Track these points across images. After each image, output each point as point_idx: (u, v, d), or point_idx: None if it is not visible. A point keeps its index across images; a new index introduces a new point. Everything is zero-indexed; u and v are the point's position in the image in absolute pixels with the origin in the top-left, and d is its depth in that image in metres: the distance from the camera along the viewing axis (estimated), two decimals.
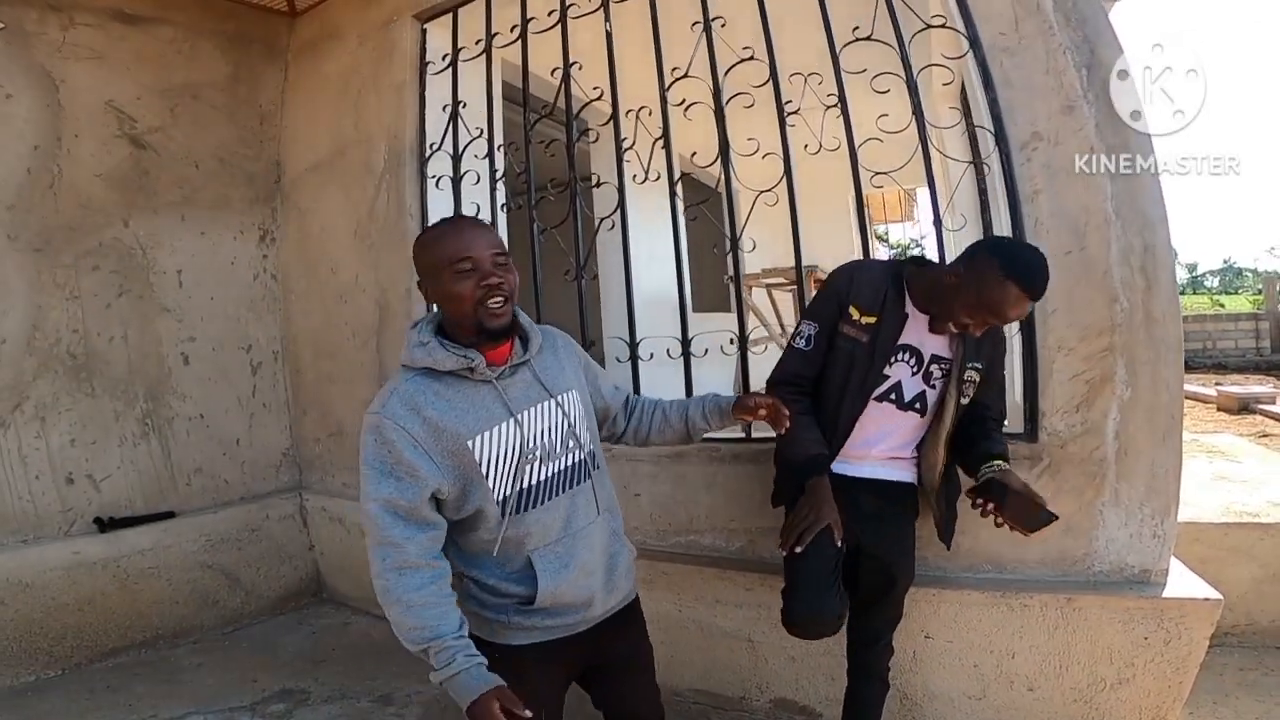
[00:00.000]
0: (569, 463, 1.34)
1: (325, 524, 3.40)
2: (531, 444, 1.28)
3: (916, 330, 1.69)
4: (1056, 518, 1.56)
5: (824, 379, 1.74)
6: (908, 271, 1.73)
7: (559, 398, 1.34)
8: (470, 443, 1.22)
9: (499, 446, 1.25)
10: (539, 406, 1.31)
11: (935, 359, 1.70)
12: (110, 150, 3.06)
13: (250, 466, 3.44)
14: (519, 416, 1.27)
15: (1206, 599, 1.81)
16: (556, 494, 1.31)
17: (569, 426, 1.34)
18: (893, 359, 1.68)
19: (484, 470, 1.24)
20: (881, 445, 1.77)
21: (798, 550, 1.61)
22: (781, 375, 1.79)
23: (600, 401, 1.54)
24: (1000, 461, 1.65)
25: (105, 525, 2.90)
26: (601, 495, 1.41)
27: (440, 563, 1.24)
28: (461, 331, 1.25)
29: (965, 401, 1.70)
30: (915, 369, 1.69)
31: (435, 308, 1.32)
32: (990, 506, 1.56)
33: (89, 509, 2.90)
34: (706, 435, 2.40)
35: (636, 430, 1.60)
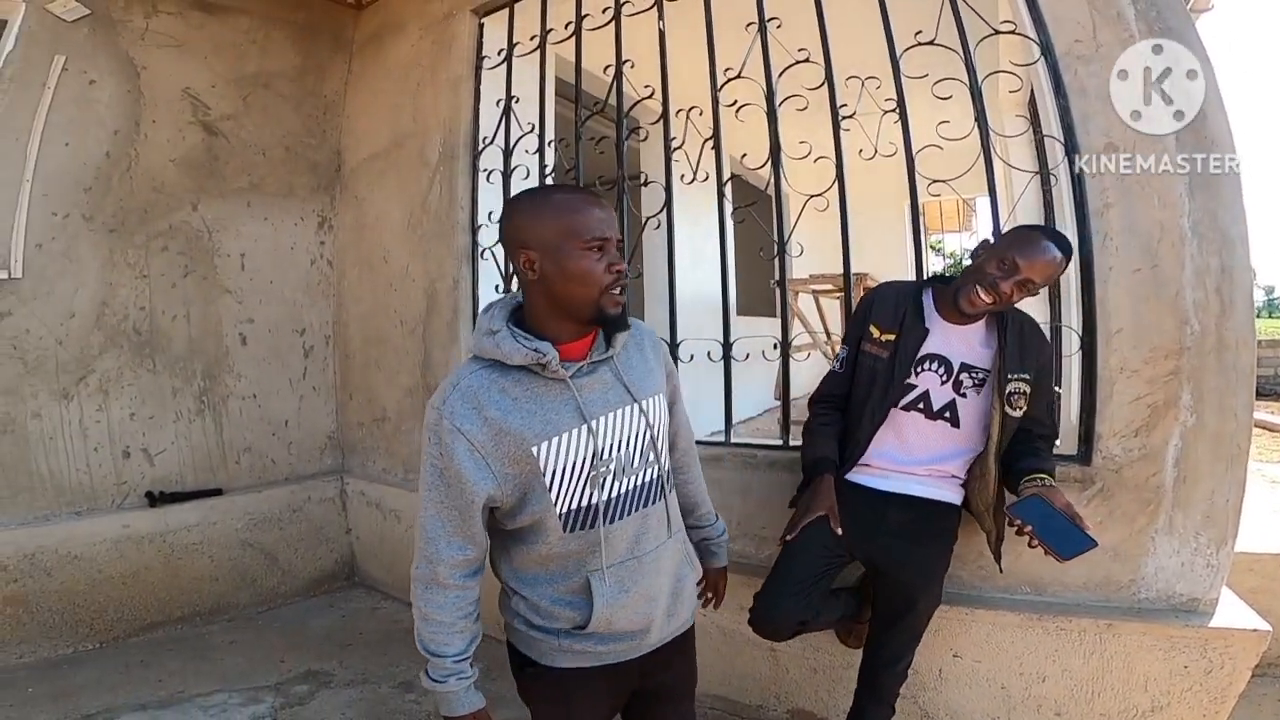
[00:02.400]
0: (646, 479, 1.19)
1: (362, 508, 3.48)
2: (606, 455, 1.13)
3: (943, 340, 1.70)
4: (1095, 544, 1.49)
5: (851, 395, 1.80)
6: (932, 288, 1.77)
7: (644, 403, 1.19)
8: (535, 449, 1.09)
9: (568, 455, 1.11)
10: (619, 412, 1.16)
11: (966, 368, 1.68)
12: (185, 136, 3.18)
13: (297, 448, 3.52)
14: (593, 424, 1.12)
15: (1255, 630, 1.74)
16: (628, 513, 1.17)
17: (651, 437, 1.19)
18: (918, 369, 1.70)
19: (548, 481, 1.10)
20: (920, 458, 1.74)
21: (788, 539, 1.69)
22: (818, 395, 1.90)
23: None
24: (1043, 476, 1.60)
25: (156, 500, 2.98)
26: (674, 515, 1.27)
27: (469, 584, 1.16)
28: (556, 316, 1.12)
29: (1016, 414, 1.66)
30: (944, 378, 1.69)
31: (515, 287, 1.22)
32: (1028, 529, 1.51)
33: (142, 483, 3.00)
34: (743, 442, 2.40)
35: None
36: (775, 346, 2.37)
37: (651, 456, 1.20)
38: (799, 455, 1.96)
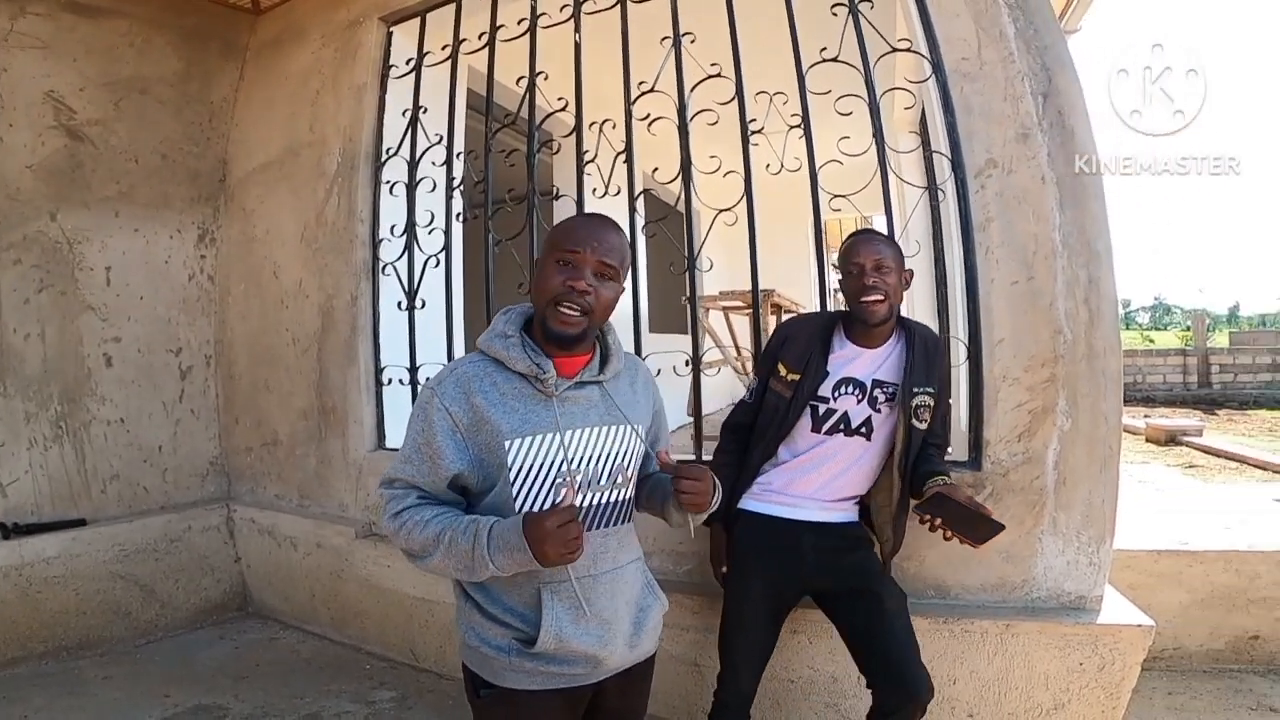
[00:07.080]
0: (610, 499, 1.23)
1: (254, 536, 3.23)
2: (574, 466, 1.17)
3: (855, 364, 1.75)
4: (1003, 527, 1.55)
5: (755, 425, 1.83)
6: (842, 318, 1.82)
7: (620, 429, 1.24)
8: (507, 443, 1.14)
9: (535, 457, 1.15)
10: (594, 430, 1.21)
11: (878, 384, 1.75)
12: (44, 141, 2.93)
13: (173, 475, 3.27)
14: (565, 434, 1.17)
15: (1139, 625, 1.84)
16: (588, 529, 1.19)
17: (620, 462, 1.23)
18: (836, 394, 1.74)
19: (513, 475, 1.15)
20: (826, 478, 1.77)
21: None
22: (729, 422, 1.91)
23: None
24: (943, 477, 1.67)
25: (10, 531, 2.72)
26: (635, 543, 1.32)
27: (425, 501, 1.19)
28: (537, 326, 1.19)
29: (921, 426, 1.72)
30: (860, 397, 1.74)
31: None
32: (938, 521, 1.56)
33: None
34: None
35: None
36: (687, 363, 2.37)
37: (620, 479, 1.24)
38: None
